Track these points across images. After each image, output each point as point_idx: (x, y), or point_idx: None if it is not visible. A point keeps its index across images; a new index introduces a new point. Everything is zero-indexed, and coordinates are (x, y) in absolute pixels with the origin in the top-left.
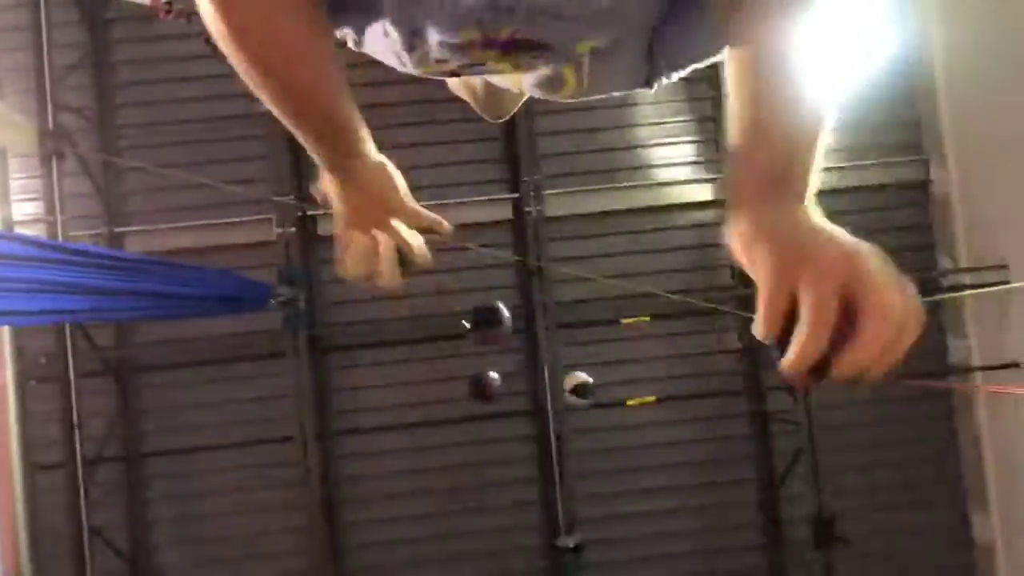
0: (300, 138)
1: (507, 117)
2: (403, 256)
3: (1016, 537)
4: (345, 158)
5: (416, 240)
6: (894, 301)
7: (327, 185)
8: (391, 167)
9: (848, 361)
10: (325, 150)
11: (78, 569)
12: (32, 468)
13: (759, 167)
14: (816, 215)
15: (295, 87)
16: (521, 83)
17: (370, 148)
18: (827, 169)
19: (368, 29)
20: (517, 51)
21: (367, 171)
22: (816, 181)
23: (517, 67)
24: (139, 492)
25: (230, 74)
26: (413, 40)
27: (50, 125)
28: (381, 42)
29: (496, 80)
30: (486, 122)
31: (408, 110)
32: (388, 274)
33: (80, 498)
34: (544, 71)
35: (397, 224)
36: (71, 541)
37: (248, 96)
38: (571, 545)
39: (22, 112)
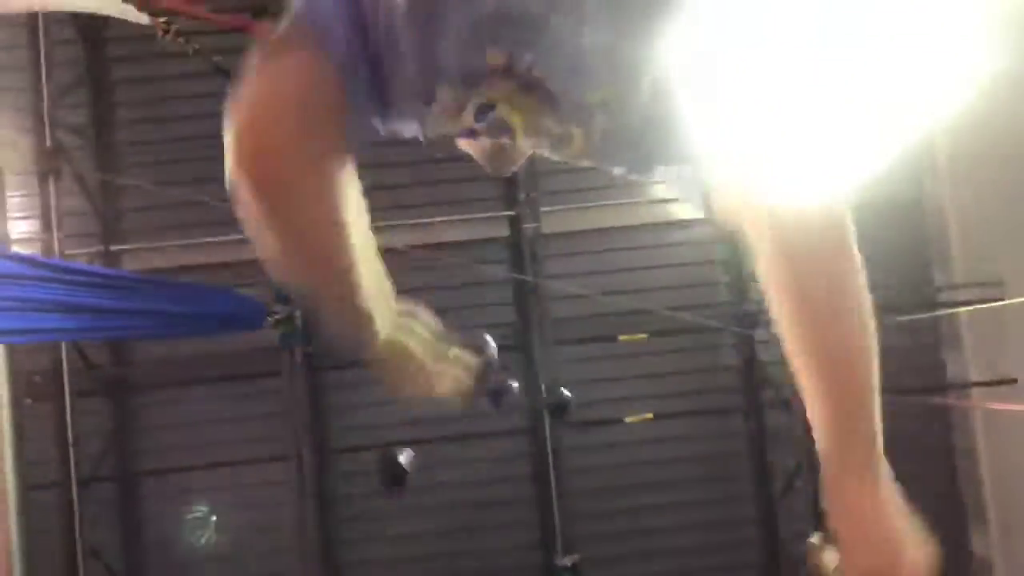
0: (319, 301)
1: (509, 173)
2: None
3: (1014, 552)
4: (359, 328)
5: (466, 364)
6: None
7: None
8: (410, 340)
9: None
10: (341, 315)
11: None
12: (26, 487)
13: (838, 424)
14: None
15: (312, 251)
16: (527, 143)
17: (383, 324)
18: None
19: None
20: (533, 91)
21: (382, 348)
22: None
23: (529, 117)
24: (134, 512)
25: (226, 93)
26: (434, 84)
27: (47, 143)
28: (402, 113)
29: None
30: None
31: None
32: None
33: (75, 518)
34: (553, 129)
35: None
36: (66, 561)
37: None
38: (569, 564)
39: (19, 130)
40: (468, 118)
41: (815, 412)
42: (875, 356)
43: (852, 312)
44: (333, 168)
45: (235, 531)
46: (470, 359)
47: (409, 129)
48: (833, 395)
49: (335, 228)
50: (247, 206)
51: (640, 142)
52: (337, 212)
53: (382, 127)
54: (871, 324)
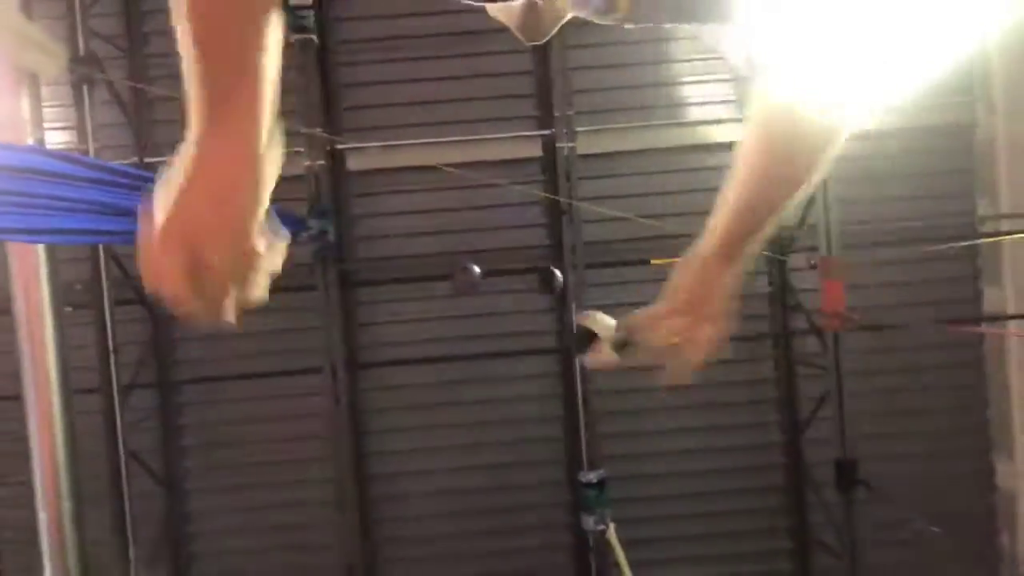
0: (187, 63)
1: (545, 39)
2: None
3: None
4: (220, 112)
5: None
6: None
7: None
8: (264, 170)
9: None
10: (207, 90)
11: (116, 490)
12: (70, 393)
13: (738, 232)
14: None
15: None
16: (569, 2)
17: (257, 130)
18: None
19: None
20: None
21: (253, 150)
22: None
23: None
24: (172, 418)
25: None
26: None
27: (80, 52)
28: None
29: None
30: (518, 55)
31: (437, 42)
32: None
33: (116, 422)
34: None
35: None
36: (108, 464)
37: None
38: (594, 480)
39: (52, 38)
40: None
41: (740, 204)
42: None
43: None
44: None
45: (269, 440)
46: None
47: None
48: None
49: (249, 20)
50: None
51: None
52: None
53: None
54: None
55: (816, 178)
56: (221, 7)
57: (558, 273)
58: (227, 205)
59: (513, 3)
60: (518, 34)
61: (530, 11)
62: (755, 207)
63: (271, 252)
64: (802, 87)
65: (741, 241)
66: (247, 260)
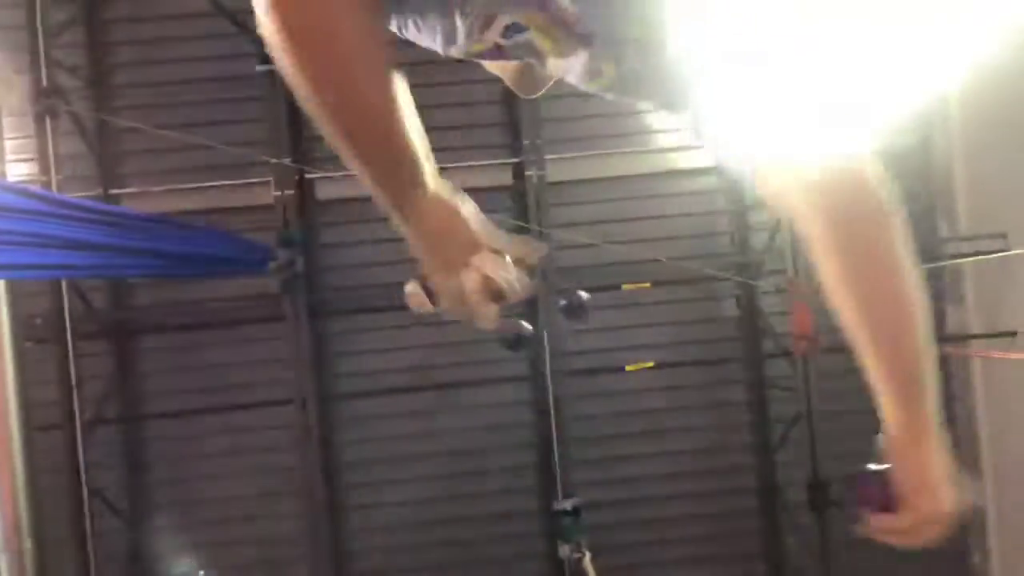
0: (358, 167)
1: (540, 94)
2: (497, 292)
3: (1008, 503)
4: (404, 189)
5: (505, 272)
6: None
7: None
8: (456, 201)
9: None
10: (383, 177)
11: (78, 529)
12: (30, 429)
13: (900, 372)
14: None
15: (350, 96)
16: (557, 68)
17: (432, 179)
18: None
19: (421, 14)
20: (566, 26)
21: (429, 204)
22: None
23: (559, 46)
24: (138, 454)
25: (228, 34)
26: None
27: (43, 83)
28: (428, 25)
29: (536, 65)
30: (487, 83)
31: (406, 71)
32: (483, 315)
33: (79, 459)
34: (582, 61)
35: (482, 259)
36: (71, 502)
37: (247, 56)
38: (569, 508)
39: (14, 69)
40: (494, 35)
41: (880, 377)
42: (925, 312)
43: (901, 271)
44: (368, 19)
45: (237, 475)
46: (524, 262)
47: (427, 38)
48: (896, 358)
49: (371, 73)
50: (281, 56)
51: (668, 82)
52: (373, 60)
53: (400, 27)
54: (918, 284)
55: (900, 236)
56: (333, 50)
57: (526, 326)
58: (451, 241)
59: (508, 63)
60: (514, 88)
61: (525, 70)
62: (885, 319)
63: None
64: (801, 148)
65: (909, 383)
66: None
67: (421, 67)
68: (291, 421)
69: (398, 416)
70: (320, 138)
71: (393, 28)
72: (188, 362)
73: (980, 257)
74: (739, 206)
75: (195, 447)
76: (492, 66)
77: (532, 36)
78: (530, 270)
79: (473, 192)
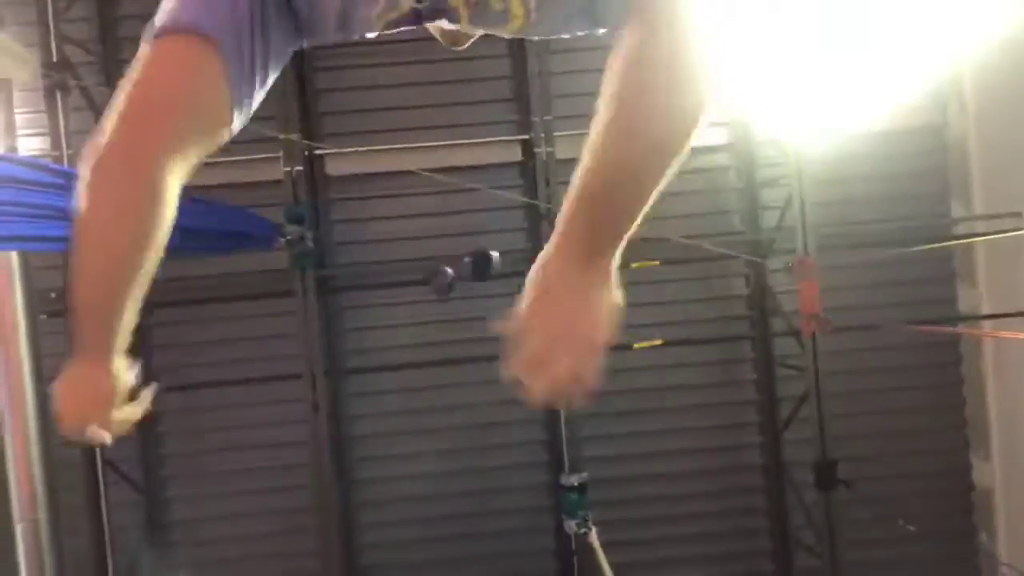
0: (87, 304)
1: (466, 46)
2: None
3: (1015, 483)
4: (99, 345)
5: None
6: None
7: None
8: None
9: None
10: (93, 326)
11: (93, 499)
12: (45, 401)
13: (595, 223)
14: (607, 299)
15: (111, 278)
16: (468, 23)
17: (120, 354)
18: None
19: None
20: None
21: (112, 370)
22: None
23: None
24: (151, 426)
25: None
26: None
27: (54, 57)
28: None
29: (446, 26)
30: (496, 59)
31: (415, 47)
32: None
33: None
34: (495, 5)
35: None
36: (86, 473)
37: None
38: (575, 483)
39: (25, 44)
40: (408, 3)
41: (585, 197)
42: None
43: (665, 162)
44: (181, 175)
45: (249, 447)
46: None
47: (330, 32)
48: (609, 198)
49: (150, 241)
50: (99, 184)
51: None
52: (159, 225)
53: (301, 41)
54: (660, 184)
55: (682, 147)
56: (111, 252)
57: (495, 255)
58: (100, 397)
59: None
60: (441, 40)
61: (450, 30)
62: (611, 184)
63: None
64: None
65: (597, 238)
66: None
67: (430, 43)
68: (301, 395)
69: (407, 391)
70: (330, 114)
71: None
72: (199, 336)
73: (993, 236)
74: (749, 184)
75: (206, 420)
76: (430, 27)
77: None
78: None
79: (483, 168)
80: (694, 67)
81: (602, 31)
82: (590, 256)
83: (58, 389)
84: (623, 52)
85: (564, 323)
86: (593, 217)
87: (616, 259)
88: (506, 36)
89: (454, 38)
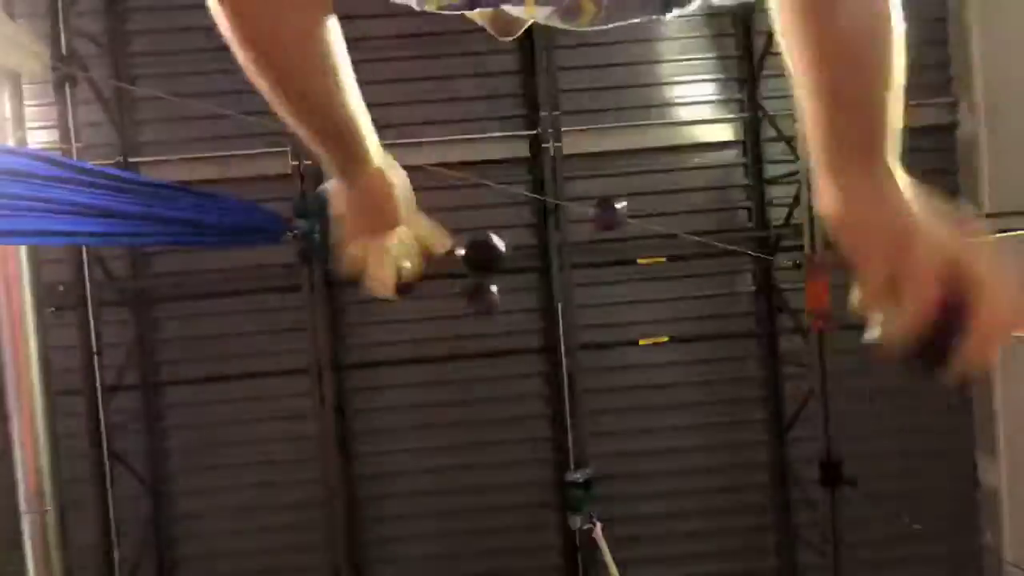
0: (304, 137)
1: (517, 35)
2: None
3: (1022, 482)
4: (343, 162)
5: (404, 254)
6: (999, 298)
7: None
8: (396, 176)
9: (963, 356)
10: (327, 150)
11: (99, 492)
12: (52, 394)
13: (846, 130)
14: (907, 189)
15: (296, 81)
16: (536, 12)
17: (372, 155)
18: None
19: None
20: None
21: (366, 180)
22: (896, 135)
23: None
24: (157, 420)
25: None
26: None
27: (63, 50)
28: None
29: (512, 10)
30: (503, 55)
31: (422, 42)
32: (380, 282)
33: (100, 424)
34: (562, 2)
35: (399, 238)
36: (92, 466)
37: None
38: (581, 480)
39: (35, 37)
40: None
41: (836, 99)
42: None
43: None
44: (312, 15)
45: (255, 442)
46: (436, 243)
47: None
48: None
49: (314, 65)
50: (233, 43)
51: None
52: (315, 53)
53: None
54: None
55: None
56: (287, 47)
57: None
58: (382, 213)
59: (484, 9)
60: (491, 31)
61: (500, 14)
62: (855, 80)
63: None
64: None
65: (867, 137)
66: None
67: (438, 38)
68: (307, 390)
69: (413, 386)
70: None
71: None
72: (206, 330)
73: (1002, 235)
74: (757, 180)
75: (213, 413)
76: (471, 14)
77: None
78: (433, 259)
79: (490, 164)
80: None
81: (672, 14)
82: (881, 157)
83: (339, 212)
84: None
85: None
86: (862, 114)
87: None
88: (575, 28)
89: (506, 28)
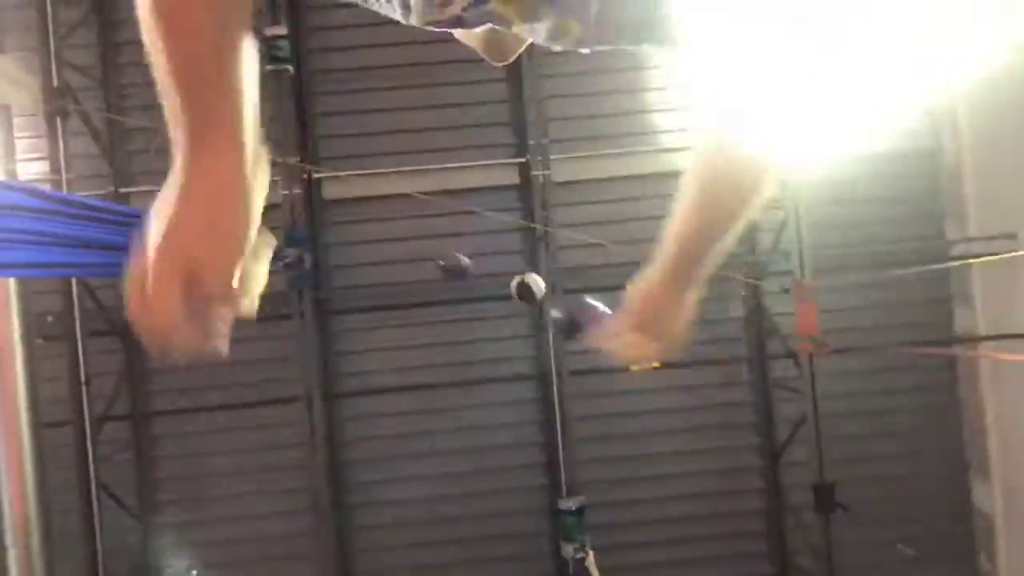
0: (174, 104)
1: (511, 60)
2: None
3: (1016, 506)
4: (207, 129)
5: (244, 294)
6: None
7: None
8: (262, 181)
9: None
10: (190, 106)
11: (87, 524)
12: (40, 425)
13: (685, 259)
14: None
15: (192, 62)
16: (523, 31)
17: (248, 143)
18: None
19: None
20: None
21: (224, 162)
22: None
23: (523, 10)
24: (146, 450)
25: None
26: None
27: (54, 83)
28: None
29: (499, 28)
30: (493, 84)
31: (412, 72)
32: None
33: (88, 455)
34: (547, 23)
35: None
36: (80, 497)
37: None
38: (573, 508)
39: (26, 70)
40: (457, 7)
41: (685, 232)
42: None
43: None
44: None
45: (243, 472)
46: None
47: (389, 7)
48: (702, 244)
49: (223, 51)
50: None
51: (630, 21)
52: (229, 40)
53: None
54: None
55: (753, 211)
56: (193, 32)
57: (538, 280)
58: (218, 228)
59: (476, 30)
60: (485, 56)
61: (492, 35)
62: (699, 235)
63: (260, 269)
64: (739, 124)
65: (688, 268)
66: (238, 282)
67: (428, 67)
68: (297, 418)
69: (404, 414)
70: (328, 137)
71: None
72: (196, 359)
73: (989, 258)
74: None
75: (202, 444)
76: (461, 35)
77: (493, 5)
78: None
79: (479, 191)
80: (756, 166)
81: (650, 48)
82: (687, 276)
83: (158, 211)
84: (702, 163)
85: (663, 318)
86: (689, 254)
87: (703, 275)
88: (560, 48)
89: (500, 52)
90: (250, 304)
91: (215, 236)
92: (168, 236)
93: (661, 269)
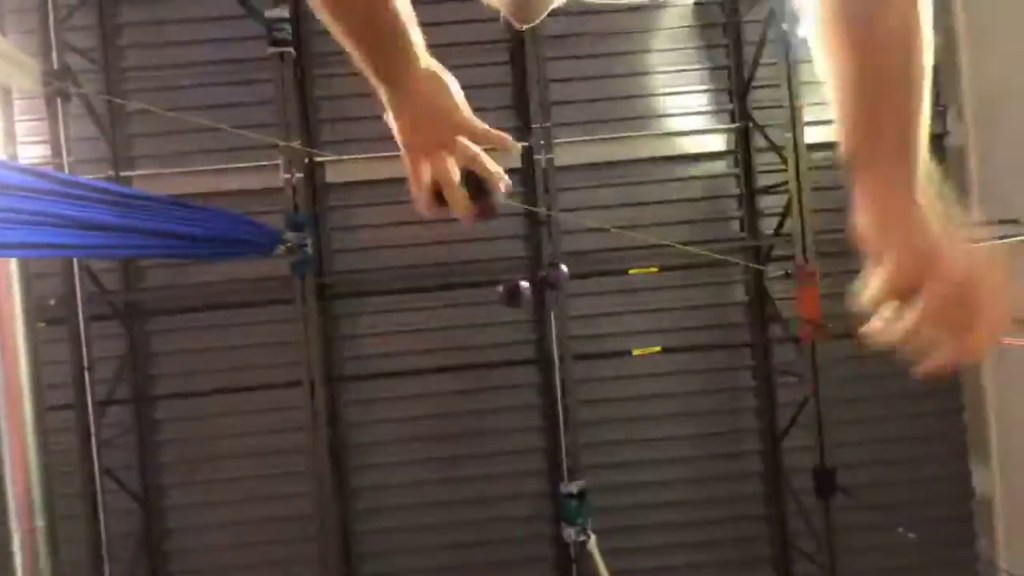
0: (343, 39)
1: (536, 21)
2: (478, 182)
3: (1015, 489)
4: (392, 63)
5: (489, 161)
6: (1000, 305)
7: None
8: (446, 76)
9: (956, 350)
10: (370, 52)
11: (90, 508)
12: (43, 409)
13: (886, 126)
14: (934, 211)
15: None
16: None
17: (421, 54)
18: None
19: None
20: None
21: (417, 79)
22: (924, 147)
23: None
24: (149, 434)
25: (238, 16)
26: None
27: (54, 65)
28: None
29: None
30: (495, 67)
31: None
32: (458, 204)
33: (91, 439)
34: None
35: (464, 143)
36: (83, 481)
37: (257, 39)
38: (574, 491)
39: (26, 52)
40: None
41: (866, 109)
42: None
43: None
44: None
45: (247, 455)
46: (493, 138)
47: None
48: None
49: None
50: None
51: None
52: None
53: None
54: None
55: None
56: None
57: (524, 285)
58: (435, 111)
59: None
60: (511, 19)
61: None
62: (894, 110)
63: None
64: None
65: (907, 160)
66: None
67: (430, 51)
68: (299, 402)
69: (406, 398)
70: (330, 121)
71: None
72: (198, 343)
73: (992, 243)
74: (748, 190)
75: (205, 427)
76: None
77: None
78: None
79: None
80: None
81: None
82: (915, 161)
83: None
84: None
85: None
86: (896, 144)
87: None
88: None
89: (525, 13)
90: (498, 177)
91: (438, 122)
92: (409, 141)
93: (868, 169)
